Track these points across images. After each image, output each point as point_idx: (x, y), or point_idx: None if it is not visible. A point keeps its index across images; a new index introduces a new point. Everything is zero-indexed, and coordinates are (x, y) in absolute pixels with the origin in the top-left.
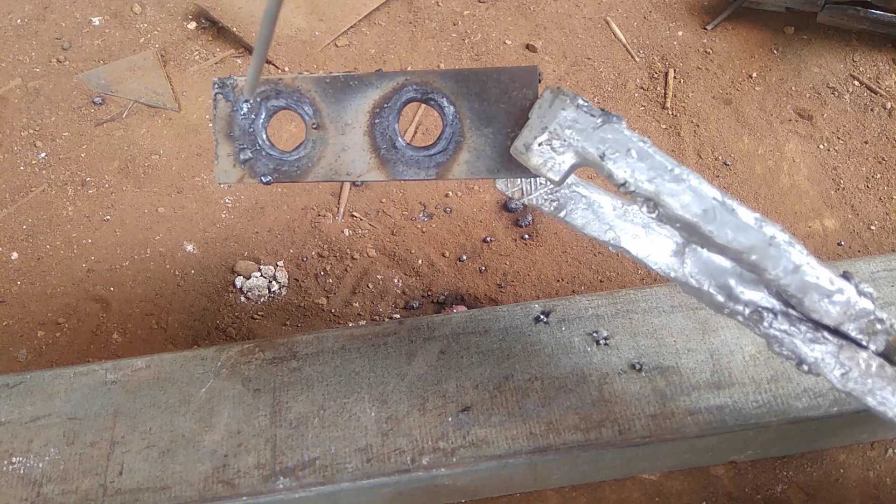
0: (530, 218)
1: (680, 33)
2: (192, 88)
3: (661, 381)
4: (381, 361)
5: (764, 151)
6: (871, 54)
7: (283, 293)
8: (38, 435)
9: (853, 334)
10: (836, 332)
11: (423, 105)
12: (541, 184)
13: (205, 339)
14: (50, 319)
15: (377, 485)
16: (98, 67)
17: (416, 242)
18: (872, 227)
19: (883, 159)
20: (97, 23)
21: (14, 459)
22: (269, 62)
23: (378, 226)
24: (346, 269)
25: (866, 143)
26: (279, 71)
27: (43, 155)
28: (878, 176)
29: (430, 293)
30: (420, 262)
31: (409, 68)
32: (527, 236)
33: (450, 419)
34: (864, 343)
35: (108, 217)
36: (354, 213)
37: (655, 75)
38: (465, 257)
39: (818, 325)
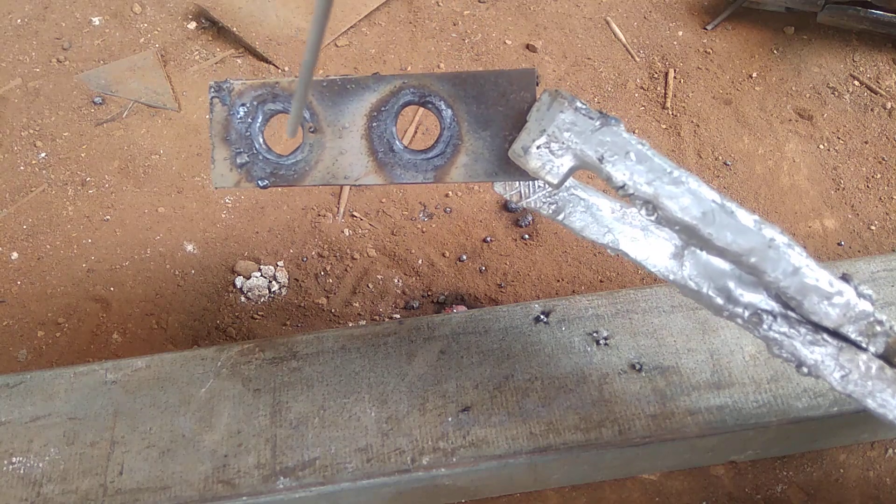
0: (530, 218)
1: (680, 33)
2: (192, 88)
3: (661, 381)
4: (381, 361)
5: (764, 151)
6: (871, 54)
7: (283, 293)
8: (38, 435)
9: (853, 336)
10: (835, 334)
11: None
12: (539, 187)
13: (205, 339)
14: (50, 319)
15: (377, 485)
16: (98, 67)
17: (416, 242)
18: (872, 227)
19: (883, 159)
20: (97, 23)
21: (14, 459)
22: (268, 62)
23: (378, 226)
24: (346, 269)
25: (866, 143)
26: (279, 71)
27: (43, 155)
28: (878, 176)
29: (430, 293)
30: (420, 262)
31: (409, 68)
32: (527, 236)
33: (450, 419)
34: (864, 345)
35: (108, 217)
36: (354, 213)
37: (655, 75)
38: (465, 257)
39: (818, 328)
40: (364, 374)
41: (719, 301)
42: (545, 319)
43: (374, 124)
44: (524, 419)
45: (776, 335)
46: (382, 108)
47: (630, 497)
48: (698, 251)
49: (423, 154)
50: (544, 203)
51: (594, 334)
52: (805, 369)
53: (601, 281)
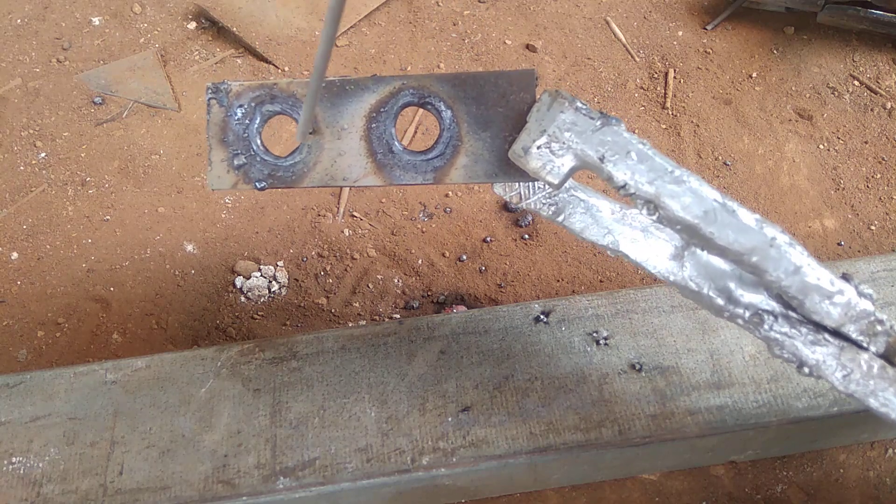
0: (530, 218)
1: (680, 33)
2: (192, 88)
3: (661, 381)
4: (381, 361)
5: (764, 151)
6: (871, 54)
7: (283, 293)
8: (38, 435)
9: (854, 336)
10: (836, 333)
11: None
12: (539, 188)
13: (205, 339)
14: (50, 319)
15: (377, 485)
16: (98, 67)
17: (416, 242)
18: (872, 227)
19: (883, 159)
20: (97, 23)
21: (14, 459)
22: (268, 62)
23: (378, 226)
24: (346, 269)
25: (866, 143)
26: (279, 71)
27: (43, 155)
28: (878, 176)
29: (430, 293)
30: (420, 262)
31: (408, 68)
32: (527, 236)
33: (450, 419)
34: (865, 345)
35: (108, 217)
36: (354, 213)
37: (655, 75)
38: (465, 257)
39: (819, 328)
40: (364, 374)
41: (720, 302)
42: (545, 319)
43: (374, 125)
44: (524, 419)
45: (777, 335)
46: (381, 110)
47: (630, 497)
48: (698, 252)
49: (423, 155)
50: (544, 204)
51: (594, 334)
52: (806, 369)
53: (601, 281)
